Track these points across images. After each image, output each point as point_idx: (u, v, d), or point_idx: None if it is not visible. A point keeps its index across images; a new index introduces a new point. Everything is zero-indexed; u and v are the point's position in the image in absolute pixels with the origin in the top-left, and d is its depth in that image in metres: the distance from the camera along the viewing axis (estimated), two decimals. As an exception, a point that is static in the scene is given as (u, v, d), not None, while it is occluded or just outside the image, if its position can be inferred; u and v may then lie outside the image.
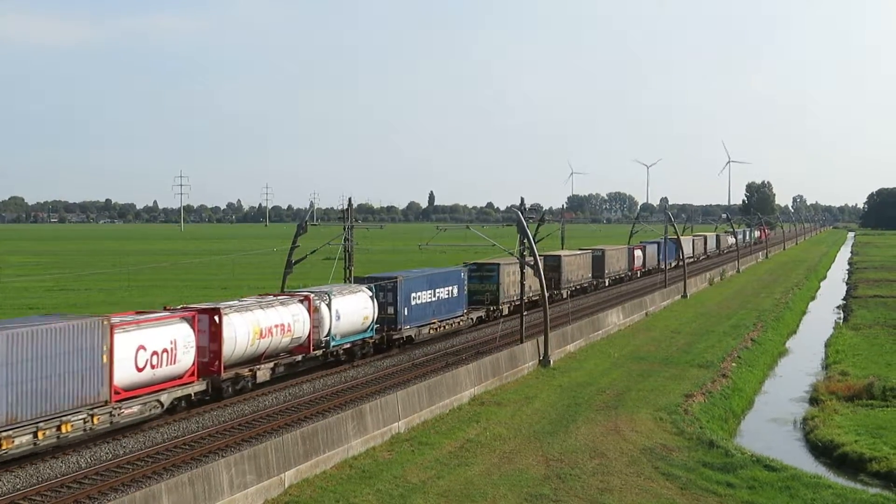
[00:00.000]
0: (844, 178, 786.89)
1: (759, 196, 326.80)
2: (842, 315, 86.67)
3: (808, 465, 37.28)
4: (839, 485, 32.59)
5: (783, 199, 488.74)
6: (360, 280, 54.68)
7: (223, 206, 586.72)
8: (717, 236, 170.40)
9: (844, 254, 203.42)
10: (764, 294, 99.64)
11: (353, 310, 48.97)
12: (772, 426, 45.65)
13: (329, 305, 46.66)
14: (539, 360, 52.20)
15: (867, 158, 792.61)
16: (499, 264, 66.27)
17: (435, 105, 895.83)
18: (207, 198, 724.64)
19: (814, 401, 48.32)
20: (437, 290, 57.18)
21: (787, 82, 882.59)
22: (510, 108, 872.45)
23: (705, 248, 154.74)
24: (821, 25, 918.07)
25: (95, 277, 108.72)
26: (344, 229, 57.83)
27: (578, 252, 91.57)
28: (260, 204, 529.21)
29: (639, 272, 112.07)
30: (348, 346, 49.40)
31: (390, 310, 53.03)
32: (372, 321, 50.93)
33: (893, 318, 78.33)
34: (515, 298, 66.36)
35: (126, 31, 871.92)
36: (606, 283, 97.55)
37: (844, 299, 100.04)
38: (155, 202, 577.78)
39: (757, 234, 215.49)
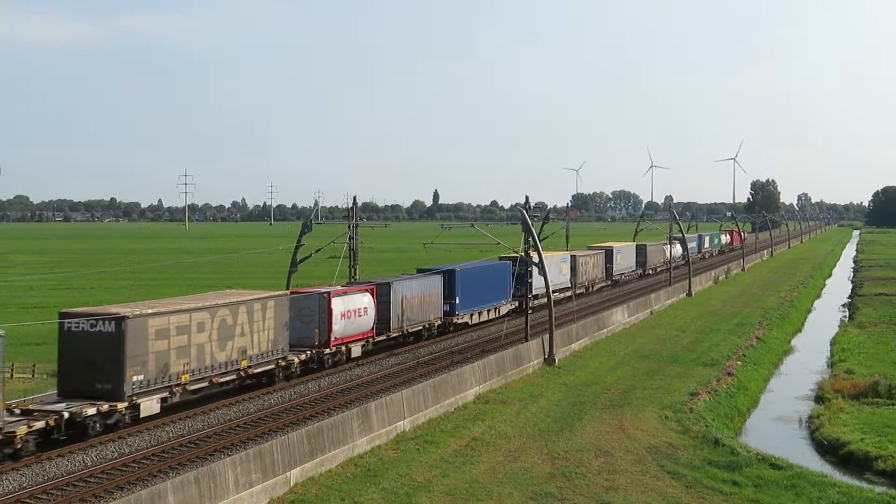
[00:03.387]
0: (849, 176, 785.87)
1: (763, 194, 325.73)
2: (847, 313, 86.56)
3: (814, 463, 37.27)
4: (845, 483, 32.60)
5: (788, 197, 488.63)
6: None
7: (228, 205, 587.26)
8: (640, 248, 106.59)
9: (849, 252, 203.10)
10: (769, 292, 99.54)
11: None
12: (777, 424, 45.62)
13: None
14: (544, 359, 52.19)
15: (872, 156, 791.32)
16: None
17: (439, 104, 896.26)
18: (212, 197, 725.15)
19: (819, 399, 48.29)
20: None
21: (791, 80, 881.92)
22: (514, 106, 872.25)
23: (608, 272, 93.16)
24: (825, 23, 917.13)
25: (100, 276, 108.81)
26: (348, 228, 57.82)
27: (187, 308, 37.47)
28: (264, 203, 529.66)
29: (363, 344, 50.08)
30: None
31: None
32: None
33: (899, 317, 78.18)
34: None
35: (128, 30, 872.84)
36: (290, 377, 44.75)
37: (850, 297, 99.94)
38: (160, 201, 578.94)
39: (727, 238, 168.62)
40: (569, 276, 79.53)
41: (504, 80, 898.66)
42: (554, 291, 68.76)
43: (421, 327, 55.71)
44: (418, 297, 55.32)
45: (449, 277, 59.48)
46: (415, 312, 54.92)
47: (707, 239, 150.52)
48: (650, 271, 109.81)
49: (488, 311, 64.69)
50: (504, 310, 66.75)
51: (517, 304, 67.44)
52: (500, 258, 71.11)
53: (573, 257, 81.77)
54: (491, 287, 65.01)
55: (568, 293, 78.00)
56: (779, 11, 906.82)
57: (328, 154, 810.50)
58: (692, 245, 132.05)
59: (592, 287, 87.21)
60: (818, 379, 54.18)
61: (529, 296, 63.68)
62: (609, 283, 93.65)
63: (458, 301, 59.82)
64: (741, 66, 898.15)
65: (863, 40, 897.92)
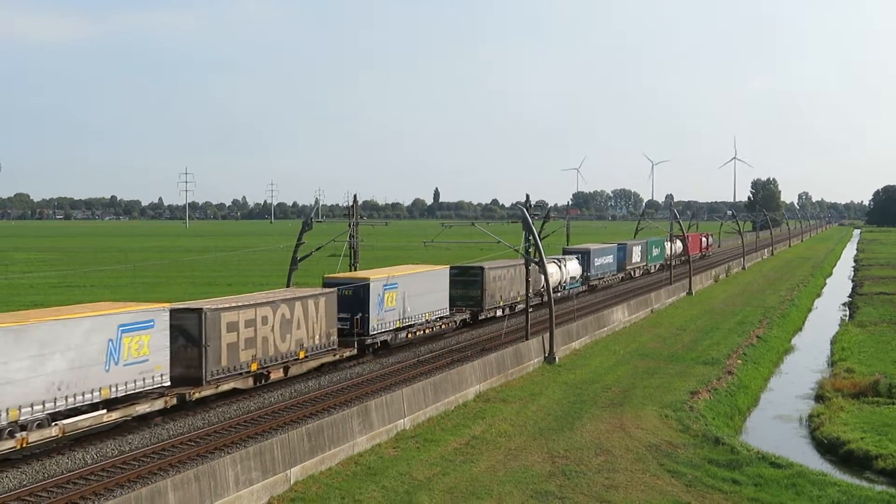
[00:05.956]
0: (850, 175, 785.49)
1: (764, 193, 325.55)
2: (847, 312, 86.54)
3: (814, 462, 37.25)
4: (845, 482, 32.56)
5: (789, 195, 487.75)
6: None
7: (228, 203, 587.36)
8: (474, 274, 61.51)
9: (850, 251, 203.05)
10: (769, 291, 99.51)
11: None
12: (777, 423, 45.61)
13: None
14: (544, 357, 52.19)
15: (873, 156, 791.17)
16: None
17: (440, 102, 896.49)
18: (212, 194, 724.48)
19: (819, 398, 48.25)
20: None
21: (792, 79, 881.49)
22: (515, 105, 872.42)
23: (358, 326, 48.36)
24: (826, 23, 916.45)
25: (100, 274, 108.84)
26: (349, 226, 57.84)
27: None
28: (265, 201, 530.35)
29: None
30: None
31: None
32: None
33: (899, 316, 78.14)
34: None
35: (129, 27, 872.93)
36: None
37: (850, 296, 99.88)
38: (160, 199, 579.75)
39: (675, 247, 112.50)
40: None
41: (505, 79, 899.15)
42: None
43: None
44: None
45: None
46: None
47: (637, 250, 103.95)
48: (494, 312, 63.70)
49: None
50: None
51: None
52: None
53: (271, 307, 41.40)
54: None
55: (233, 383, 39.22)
56: (780, 12, 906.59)
57: (329, 152, 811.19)
58: (604, 260, 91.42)
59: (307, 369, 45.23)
60: (818, 378, 54.14)
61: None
62: (360, 353, 49.25)
63: None
64: (743, 66, 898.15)
65: (864, 40, 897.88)
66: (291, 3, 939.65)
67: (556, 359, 52.51)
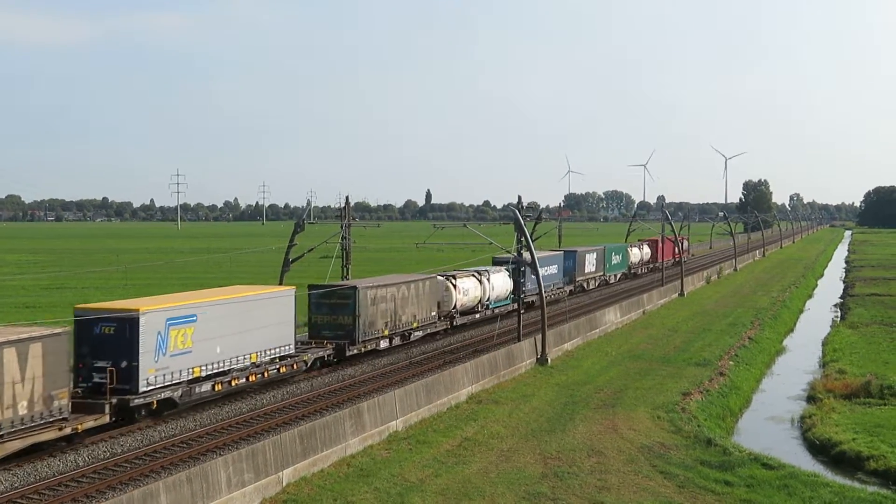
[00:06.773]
0: (842, 176, 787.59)
1: (755, 194, 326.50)
2: (839, 313, 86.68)
3: (806, 463, 37.31)
4: (837, 483, 32.63)
5: (780, 197, 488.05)
6: None
7: (220, 205, 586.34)
8: (351, 293, 48.51)
9: (841, 252, 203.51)
10: (761, 292, 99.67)
11: None
12: (769, 424, 45.67)
13: None
14: (537, 359, 52.20)
15: (865, 157, 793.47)
16: None
17: (433, 104, 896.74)
18: (204, 196, 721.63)
19: (811, 399, 48.35)
20: None
21: (784, 81, 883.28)
22: (508, 106, 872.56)
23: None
24: (819, 23, 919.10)
25: (92, 276, 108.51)
26: (341, 227, 57.78)
27: None
28: (257, 202, 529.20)
29: None
30: None
31: None
32: None
33: (890, 317, 78.40)
34: None
35: (122, 29, 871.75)
36: None
37: (842, 298, 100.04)
38: (152, 200, 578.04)
39: (642, 253, 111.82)
40: None
41: (497, 80, 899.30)
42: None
43: None
44: None
45: None
46: None
47: (590, 258, 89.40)
48: (376, 343, 50.65)
49: None
50: None
51: None
52: None
53: None
54: None
55: None
56: (772, 14, 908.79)
57: (321, 154, 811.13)
58: (546, 271, 70.79)
59: None
60: (810, 379, 54.25)
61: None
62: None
63: None
64: (735, 67, 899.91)
65: (859, 41, 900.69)
66: (284, 5, 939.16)
67: (549, 360, 52.53)
